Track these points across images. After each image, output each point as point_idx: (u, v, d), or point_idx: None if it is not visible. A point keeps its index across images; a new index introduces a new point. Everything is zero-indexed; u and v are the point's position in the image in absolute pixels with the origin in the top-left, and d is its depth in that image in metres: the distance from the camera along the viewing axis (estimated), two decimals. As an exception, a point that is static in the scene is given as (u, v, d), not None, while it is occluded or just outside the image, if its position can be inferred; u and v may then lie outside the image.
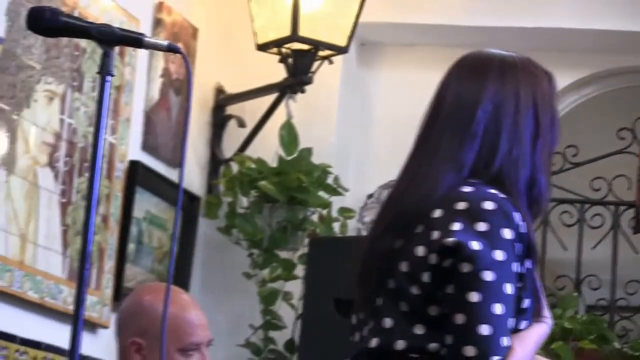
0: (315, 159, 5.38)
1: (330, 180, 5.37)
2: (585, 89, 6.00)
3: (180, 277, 5.21)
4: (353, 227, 5.53)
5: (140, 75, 4.98)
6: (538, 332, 2.70)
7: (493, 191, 2.67)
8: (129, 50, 4.78)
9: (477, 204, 2.65)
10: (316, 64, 5.24)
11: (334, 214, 5.38)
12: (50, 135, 4.41)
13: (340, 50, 5.24)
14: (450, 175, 2.71)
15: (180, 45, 5.12)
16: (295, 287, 5.27)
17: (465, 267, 2.62)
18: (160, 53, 4.97)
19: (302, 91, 5.29)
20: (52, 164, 4.42)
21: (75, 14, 4.08)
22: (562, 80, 5.80)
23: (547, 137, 2.79)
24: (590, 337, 5.48)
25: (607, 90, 6.03)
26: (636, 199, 5.61)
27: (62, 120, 4.46)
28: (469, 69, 2.83)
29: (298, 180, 5.27)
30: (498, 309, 2.61)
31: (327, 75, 5.37)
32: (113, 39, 2.76)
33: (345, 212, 5.35)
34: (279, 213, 5.30)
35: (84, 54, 4.46)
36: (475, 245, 2.61)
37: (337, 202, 5.40)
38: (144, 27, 4.88)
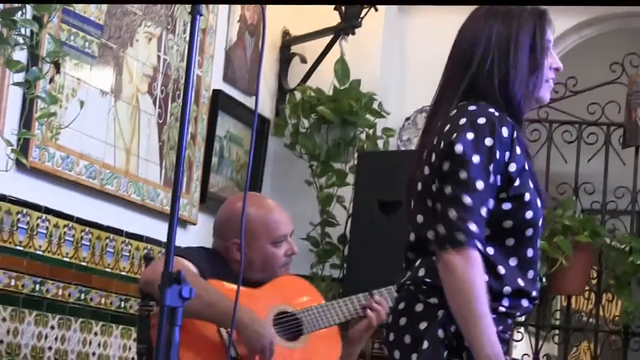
0: (363, 89, 5.33)
1: (375, 105, 5.33)
2: (585, 31, 5.94)
3: (254, 184, 5.23)
4: (394, 144, 5.49)
5: (222, 20, 4.96)
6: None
7: (491, 110, 2.69)
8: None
9: (474, 119, 2.66)
10: (364, 11, 5.17)
11: (379, 133, 5.33)
12: (150, 69, 4.40)
13: (384, 1, 5.15)
14: (458, 98, 2.75)
15: (253, -4, 5.14)
16: (347, 193, 5.24)
17: (445, 166, 2.64)
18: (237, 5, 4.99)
19: (353, 33, 5.25)
20: (150, 91, 4.41)
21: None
22: (565, 23, 5.78)
23: (528, 62, 2.78)
24: (585, 233, 5.44)
25: (602, 32, 5.96)
26: (624, 120, 5.52)
27: (158, 57, 4.45)
28: (479, 17, 2.83)
29: (349, 106, 5.23)
30: (467, 199, 2.59)
31: (372, 21, 5.32)
32: None
33: (387, 131, 5.31)
34: (334, 132, 5.28)
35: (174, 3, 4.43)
36: (459, 148, 2.62)
37: (380, 123, 5.35)
38: (222, -20, 4.83)
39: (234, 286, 3.10)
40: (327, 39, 5.32)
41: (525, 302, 2.74)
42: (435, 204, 2.66)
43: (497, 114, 2.69)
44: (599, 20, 5.88)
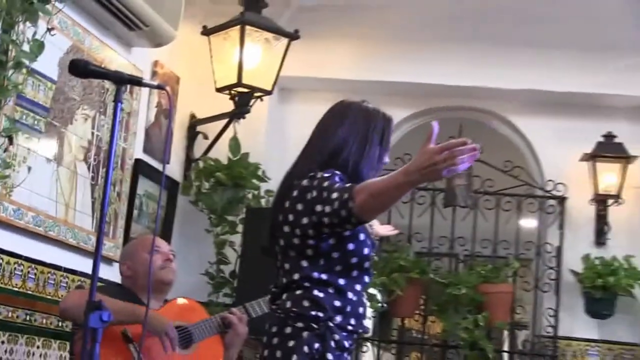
0: (251, 159, 5.29)
1: (260, 172, 5.29)
2: (418, 119, 6.01)
3: (166, 231, 5.16)
4: (272, 203, 5.45)
5: (143, 106, 4.87)
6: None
7: (337, 172, 2.68)
8: (135, 90, 4.67)
9: (317, 177, 2.66)
10: (252, 101, 5.14)
11: (262, 193, 5.28)
12: (85, 142, 4.30)
13: (268, 93, 5.13)
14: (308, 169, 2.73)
15: (167, 87, 5.08)
16: (237, 239, 5.19)
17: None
18: (156, 91, 4.91)
19: (244, 117, 5.19)
20: (86, 159, 4.31)
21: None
22: (404, 112, 5.85)
23: (376, 151, 2.78)
24: (416, 271, 5.48)
25: (428, 122, 5.88)
26: (445, 187, 5.56)
27: (92, 133, 4.35)
28: (334, 114, 2.83)
29: (240, 172, 5.18)
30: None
31: (259, 108, 5.27)
32: (122, 80, 2.71)
33: (269, 192, 5.27)
34: (228, 192, 5.19)
35: (107, 91, 4.34)
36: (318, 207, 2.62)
37: (264, 186, 5.30)
38: (146, 76, 4.76)
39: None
40: (224, 121, 5.26)
41: (364, 323, 2.75)
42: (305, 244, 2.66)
43: (338, 173, 2.68)
44: (427, 112, 5.95)
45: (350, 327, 2.69)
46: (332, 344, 2.63)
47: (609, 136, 5.54)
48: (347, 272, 2.69)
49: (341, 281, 2.67)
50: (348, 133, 2.76)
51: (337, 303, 2.66)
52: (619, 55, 5.49)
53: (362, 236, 2.70)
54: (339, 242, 2.66)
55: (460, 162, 2.38)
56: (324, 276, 2.65)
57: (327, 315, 2.63)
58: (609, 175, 5.51)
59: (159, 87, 2.86)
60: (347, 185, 2.58)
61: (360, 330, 2.75)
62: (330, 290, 2.66)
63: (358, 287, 2.72)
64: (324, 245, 2.65)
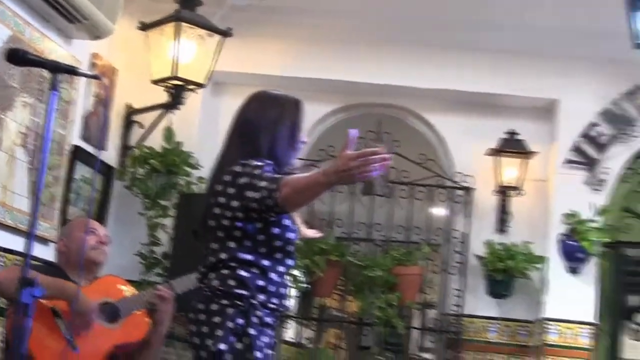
0: (184, 148, 5.24)
1: (192, 161, 5.24)
2: (339, 114, 6.00)
3: (102, 214, 5.09)
4: (205, 189, 5.41)
5: (81, 95, 4.78)
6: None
7: (268, 161, 2.70)
8: (75, 80, 4.58)
9: (249, 165, 2.67)
10: (186, 93, 5.07)
11: (194, 180, 5.23)
12: (24, 128, 4.20)
13: (201, 86, 5.08)
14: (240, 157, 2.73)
15: (105, 79, 5.00)
16: (169, 222, 5.13)
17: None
18: (94, 81, 4.83)
19: (178, 109, 5.13)
20: (24, 145, 4.21)
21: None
22: (328, 108, 5.88)
23: (289, 134, 2.79)
24: (335, 254, 5.50)
25: (351, 115, 6.00)
26: None
27: (31, 119, 4.25)
28: (250, 103, 2.86)
29: (173, 160, 5.14)
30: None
31: (193, 100, 5.22)
32: (58, 69, 2.66)
33: (200, 179, 5.21)
34: (161, 179, 5.14)
35: (45, 80, 4.23)
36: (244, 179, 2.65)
37: (196, 173, 5.24)
38: (85, 67, 4.66)
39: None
40: (159, 111, 5.19)
41: (285, 302, 2.78)
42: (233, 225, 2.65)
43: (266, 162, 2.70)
44: (349, 108, 5.96)
45: (272, 306, 2.70)
46: (255, 320, 2.64)
47: (512, 133, 5.62)
48: (271, 254, 2.70)
49: (265, 262, 2.68)
50: (260, 120, 2.78)
51: (261, 282, 2.67)
52: (523, 61, 5.58)
53: (286, 222, 2.71)
54: (265, 226, 2.67)
55: (373, 169, 2.46)
56: (249, 257, 2.66)
57: (251, 293, 2.64)
58: (511, 169, 5.58)
59: (94, 77, 2.85)
60: (276, 176, 2.60)
61: (282, 309, 2.76)
62: (255, 271, 2.67)
63: (281, 268, 2.73)
64: (251, 228, 2.66)
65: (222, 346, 2.60)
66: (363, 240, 5.78)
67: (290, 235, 2.73)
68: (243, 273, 2.65)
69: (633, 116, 5.54)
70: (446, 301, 5.70)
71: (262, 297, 2.67)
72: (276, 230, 2.69)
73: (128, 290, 3.71)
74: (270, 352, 2.69)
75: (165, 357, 5.20)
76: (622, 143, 5.55)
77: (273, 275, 2.70)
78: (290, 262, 2.76)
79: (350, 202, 5.71)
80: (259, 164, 2.66)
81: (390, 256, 5.50)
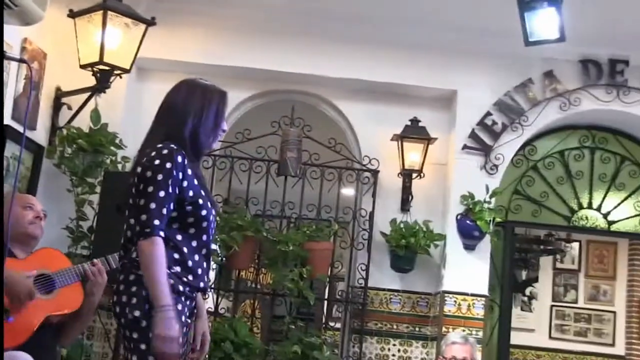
0: (110, 129, 5.28)
1: (117, 141, 5.29)
2: (256, 100, 6.06)
3: (32, 190, 5.09)
4: (128, 167, 5.42)
5: (12, 77, 4.80)
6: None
7: (172, 146, 2.74)
8: (5, 63, 4.52)
9: (160, 151, 2.71)
10: (112, 77, 5.12)
11: (119, 159, 5.28)
12: (-42, 108, 4.20)
13: (126, 71, 5.14)
14: (159, 141, 2.77)
15: (35, 63, 5.03)
16: (95, 198, 5.16)
17: (140, 185, 2.70)
18: (24, 65, 4.80)
19: (104, 92, 5.17)
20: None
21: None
22: (245, 94, 5.94)
23: (212, 120, 2.84)
24: (251, 229, 5.53)
25: (267, 102, 6.08)
26: (279, 158, 5.69)
27: (-35, 100, 4.26)
28: (176, 91, 2.89)
29: (99, 140, 5.18)
30: (152, 205, 2.65)
31: (118, 84, 5.26)
32: None
33: (125, 159, 5.28)
34: (88, 157, 5.19)
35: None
36: (148, 172, 2.69)
37: (121, 153, 5.30)
38: (16, 52, 4.69)
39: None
40: (87, 94, 5.23)
41: (201, 277, 2.80)
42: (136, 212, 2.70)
43: (176, 148, 2.74)
44: (265, 94, 6.04)
45: (186, 280, 2.74)
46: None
47: (415, 120, 5.75)
48: (184, 230, 2.75)
49: (178, 237, 2.74)
50: (187, 106, 2.82)
51: (176, 256, 2.72)
52: (427, 55, 5.75)
53: (200, 201, 2.77)
54: (178, 205, 2.73)
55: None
56: (162, 233, 2.70)
57: (167, 265, 2.67)
58: (413, 153, 5.70)
59: (21, 61, 2.83)
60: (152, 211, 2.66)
61: (200, 286, 2.78)
62: (171, 244, 2.71)
63: (194, 243, 2.77)
64: None
65: (137, 313, 2.65)
66: (277, 218, 5.83)
67: (204, 212, 2.77)
68: None
69: (523, 107, 5.77)
70: (353, 274, 5.82)
71: (178, 268, 2.71)
72: (189, 208, 2.75)
73: (63, 262, 3.73)
74: (186, 319, 2.73)
75: (92, 325, 5.28)
76: (513, 131, 5.77)
77: (186, 250, 2.74)
78: (204, 237, 2.79)
79: (265, 181, 5.77)
80: (164, 152, 2.71)
81: (302, 232, 5.56)
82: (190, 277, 2.74)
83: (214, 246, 5.36)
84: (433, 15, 5.52)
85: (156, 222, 2.66)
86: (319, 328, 6.93)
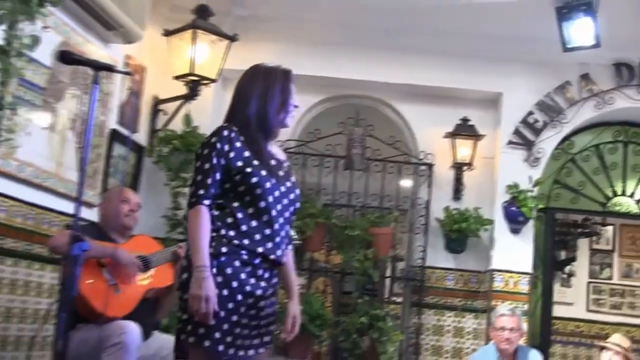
0: (200, 131, 5.27)
1: (207, 141, 5.30)
2: (326, 104, 6.00)
3: (135, 184, 5.16)
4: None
5: (117, 88, 4.86)
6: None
7: (223, 125, 2.63)
8: (112, 75, 4.66)
9: (212, 131, 2.62)
10: (201, 87, 5.13)
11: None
12: (73, 115, 4.30)
13: (213, 81, 5.14)
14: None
15: (136, 75, 5.10)
16: (188, 190, 5.15)
17: (196, 162, 2.62)
18: (127, 77, 4.90)
19: (194, 99, 5.18)
20: (73, 128, 4.31)
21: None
22: (315, 98, 5.88)
23: (279, 98, 2.67)
24: (322, 217, 5.49)
25: (335, 105, 6.01)
26: (346, 155, 5.64)
27: (78, 108, 4.35)
28: (243, 76, 2.75)
29: (191, 141, 5.19)
30: (199, 177, 2.55)
31: (206, 93, 5.27)
32: (98, 67, 2.71)
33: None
34: (182, 156, 5.19)
35: (89, 76, 4.31)
36: (199, 150, 2.62)
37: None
38: (119, 66, 4.73)
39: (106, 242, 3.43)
40: (180, 102, 5.26)
41: (257, 237, 2.53)
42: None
43: (225, 125, 2.62)
44: (333, 99, 5.97)
45: (238, 243, 2.50)
46: (224, 249, 2.50)
47: (465, 120, 5.66)
48: (240, 198, 2.54)
49: (235, 204, 2.54)
50: (251, 89, 2.67)
51: (229, 220, 2.53)
52: (475, 61, 5.64)
53: (248, 169, 2.56)
54: (228, 174, 2.56)
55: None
56: (220, 201, 2.56)
57: (221, 228, 2.51)
58: (464, 148, 5.62)
59: (126, 73, 2.88)
60: (205, 182, 2.52)
61: (258, 251, 2.52)
62: (227, 210, 2.54)
63: (250, 210, 2.54)
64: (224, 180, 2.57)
65: (185, 275, 2.52)
66: (344, 206, 5.82)
67: (253, 179, 2.54)
68: (215, 212, 2.53)
69: (562, 107, 5.63)
70: (412, 255, 5.76)
71: (230, 232, 2.50)
72: (237, 177, 2.54)
73: (156, 246, 3.77)
74: (246, 286, 2.49)
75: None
76: (553, 128, 5.63)
77: (241, 216, 2.52)
78: (262, 204, 2.53)
79: (334, 175, 5.75)
80: (214, 131, 2.58)
81: (367, 219, 5.52)
82: (246, 242, 2.50)
83: (291, 232, 5.35)
84: (481, 27, 5.41)
85: (201, 191, 2.52)
86: (382, 302, 6.88)
